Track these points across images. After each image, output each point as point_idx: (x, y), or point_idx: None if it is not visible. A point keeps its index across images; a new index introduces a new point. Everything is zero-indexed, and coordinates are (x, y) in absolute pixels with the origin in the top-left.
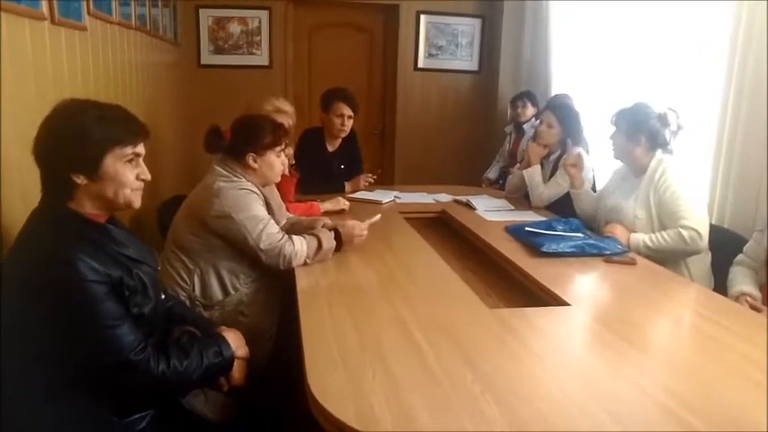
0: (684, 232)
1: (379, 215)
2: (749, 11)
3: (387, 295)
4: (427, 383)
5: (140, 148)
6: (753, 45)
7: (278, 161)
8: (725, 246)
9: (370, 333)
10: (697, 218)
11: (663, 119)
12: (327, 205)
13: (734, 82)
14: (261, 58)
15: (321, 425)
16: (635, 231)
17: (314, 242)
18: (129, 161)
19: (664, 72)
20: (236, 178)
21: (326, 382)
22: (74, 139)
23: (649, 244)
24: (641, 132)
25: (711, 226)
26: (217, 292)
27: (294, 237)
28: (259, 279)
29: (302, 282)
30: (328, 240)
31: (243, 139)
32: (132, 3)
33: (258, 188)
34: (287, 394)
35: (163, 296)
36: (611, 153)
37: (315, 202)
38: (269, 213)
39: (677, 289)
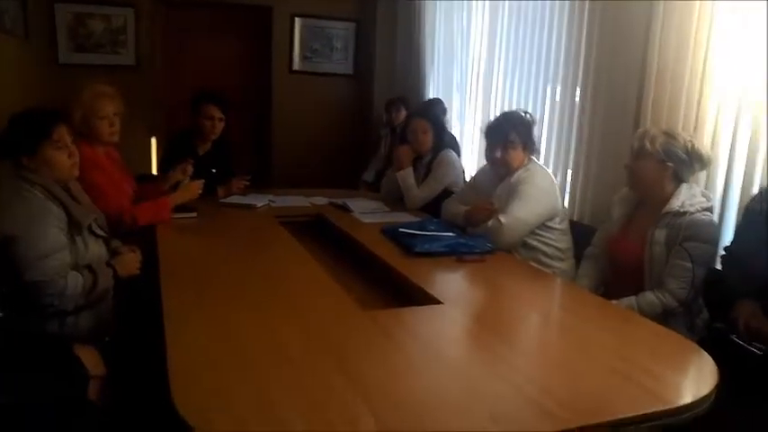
0: (495, 222)
1: None
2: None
3: (258, 301)
4: (300, 391)
5: None
6: (605, 45)
7: (58, 154)
8: (586, 239)
9: (239, 341)
10: (515, 216)
11: (531, 122)
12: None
13: (590, 84)
14: (127, 57)
15: None
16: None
17: (90, 280)
18: None
19: (532, 75)
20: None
21: (192, 395)
22: None
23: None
24: (518, 139)
25: (574, 222)
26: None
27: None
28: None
29: (168, 289)
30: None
31: (7, 143)
32: None
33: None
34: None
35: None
36: (491, 163)
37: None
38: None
39: (544, 284)
